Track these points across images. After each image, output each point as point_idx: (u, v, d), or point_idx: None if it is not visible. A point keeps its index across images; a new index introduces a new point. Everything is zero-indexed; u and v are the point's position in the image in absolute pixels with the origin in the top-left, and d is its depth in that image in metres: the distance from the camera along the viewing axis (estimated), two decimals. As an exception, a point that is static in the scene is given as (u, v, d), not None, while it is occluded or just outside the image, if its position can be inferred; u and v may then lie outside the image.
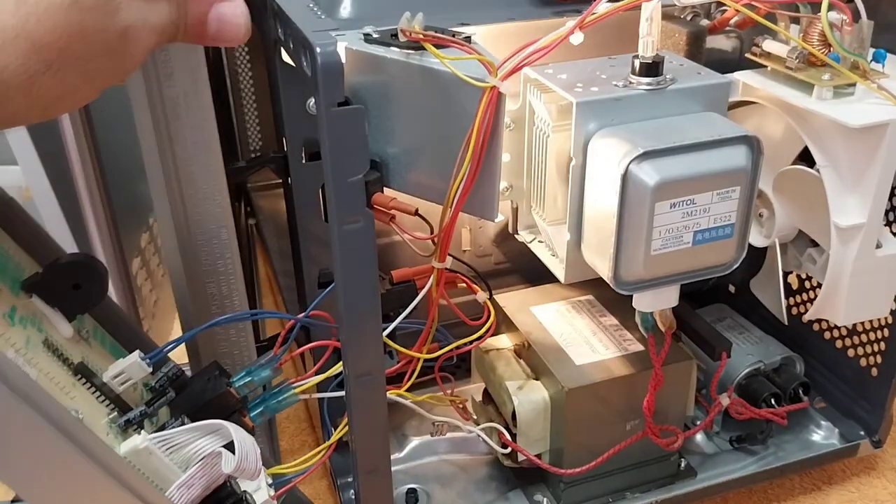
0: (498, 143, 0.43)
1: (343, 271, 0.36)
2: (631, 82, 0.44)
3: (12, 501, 0.37)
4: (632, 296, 0.47)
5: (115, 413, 0.37)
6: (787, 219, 0.53)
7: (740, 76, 0.51)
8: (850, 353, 0.61)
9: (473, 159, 0.42)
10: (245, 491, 0.40)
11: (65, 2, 0.29)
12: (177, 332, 0.61)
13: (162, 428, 0.39)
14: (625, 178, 0.41)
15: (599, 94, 0.43)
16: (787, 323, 0.57)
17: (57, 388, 0.34)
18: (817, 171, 0.48)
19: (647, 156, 0.41)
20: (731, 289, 0.71)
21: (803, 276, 0.65)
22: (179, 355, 0.49)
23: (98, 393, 0.37)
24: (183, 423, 0.38)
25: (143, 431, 0.36)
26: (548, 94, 0.46)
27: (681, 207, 0.42)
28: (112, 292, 0.61)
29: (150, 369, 0.39)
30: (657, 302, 0.47)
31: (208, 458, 0.36)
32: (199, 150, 0.45)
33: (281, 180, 0.60)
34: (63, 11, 0.29)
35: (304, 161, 0.47)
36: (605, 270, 0.44)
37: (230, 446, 0.36)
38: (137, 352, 0.39)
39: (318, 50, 0.33)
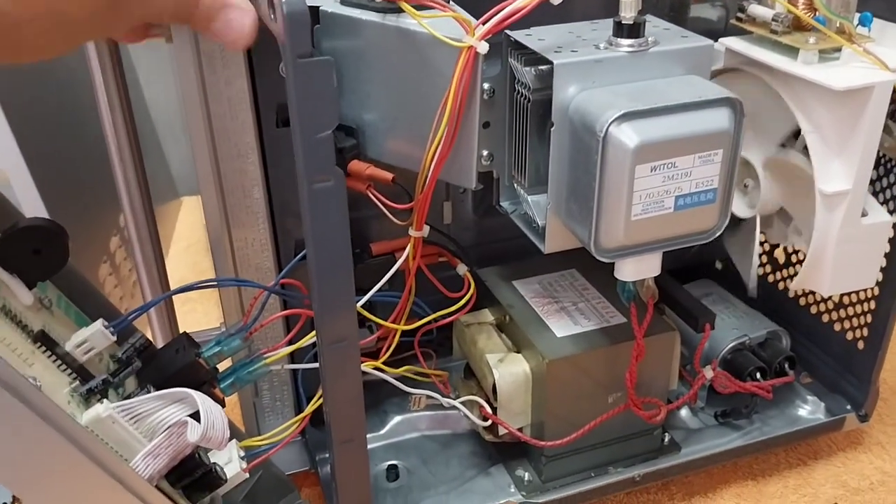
0: (475, 106, 0.42)
1: (314, 233, 0.35)
2: (612, 44, 0.43)
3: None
4: (613, 266, 0.46)
5: (78, 382, 0.36)
6: (773, 196, 0.52)
7: (725, 42, 0.50)
8: (837, 326, 0.60)
9: (450, 123, 0.41)
10: (215, 463, 0.39)
11: None
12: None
13: (128, 399, 0.38)
14: (604, 140, 0.40)
15: (580, 56, 0.42)
16: (754, 297, 0.56)
17: (14, 356, 0.33)
18: (805, 152, 0.47)
19: (627, 117, 0.39)
20: (718, 265, 0.71)
21: (790, 249, 0.64)
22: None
23: (60, 362, 0.35)
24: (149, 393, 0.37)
25: (105, 401, 0.35)
26: (528, 58, 0.45)
27: (662, 171, 0.41)
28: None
29: (115, 338, 0.37)
30: (639, 271, 0.46)
31: (174, 428, 0.35)
32: (234, 106, 0.44)
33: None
34: None
35: (277, 126, 0.46)
36: (585, 237, 0.43)
37: (197, 416, 0.35)
38: (101, 320, 0.37)
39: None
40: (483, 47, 0.39)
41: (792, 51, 0.47)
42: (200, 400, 0.35)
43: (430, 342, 0.55)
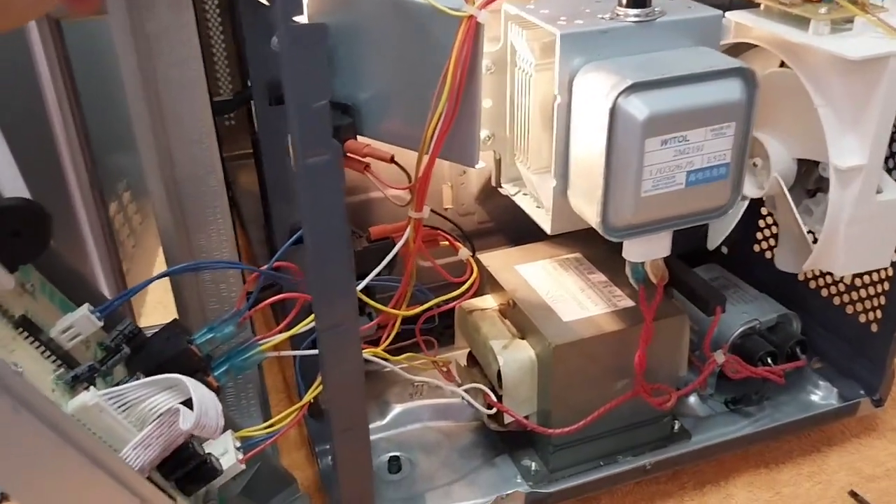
0: (477, 79, 0.40)
1: (309, 210, 0.34)
2: (618, 14, 0.42)
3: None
4: (621, 248, 0.45)
5: (63, 370, 0.34)
6: (784, 150, 0.50)
7: (732, 16, 0.48)
8: (849, 309, 0.59)
9: (451, 98, 0.40)
10: (209, 453, 0.37)
11: None
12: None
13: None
14: (613, 112, 0.38)
15: (585, 27, 0.41)
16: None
17: (-6, 340, 0.31)
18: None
19: (636, 88, 0.38)
20: (724, 249, 0.69)
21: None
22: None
23: (43, 348, 0.34)
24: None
25: (92, 388, 0.33)
26: (530, 31, 0.43)
27: (673, 145, 0.39)
28: (89, 231, 0.57)
29: (101, 323, 0.36)
30: (648, 251, 0.45)
31: (165, 416, 0.33)
32: (184, 90, 0.41)
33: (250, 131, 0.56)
34: None
35: (269, 104, 0.44)
36: (593, 216, 0.42)
37: (189, 403, 0.34)
38: (87, 305, 0.36)
39: (274, -40, 0.30)
40: (484, 16, 0.38)
41: (803, 22, 0.45)
42: (193, 386, 0.33)
43: (432, 330, 0.54)
